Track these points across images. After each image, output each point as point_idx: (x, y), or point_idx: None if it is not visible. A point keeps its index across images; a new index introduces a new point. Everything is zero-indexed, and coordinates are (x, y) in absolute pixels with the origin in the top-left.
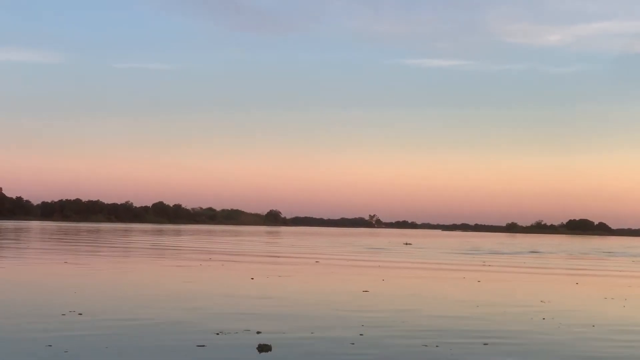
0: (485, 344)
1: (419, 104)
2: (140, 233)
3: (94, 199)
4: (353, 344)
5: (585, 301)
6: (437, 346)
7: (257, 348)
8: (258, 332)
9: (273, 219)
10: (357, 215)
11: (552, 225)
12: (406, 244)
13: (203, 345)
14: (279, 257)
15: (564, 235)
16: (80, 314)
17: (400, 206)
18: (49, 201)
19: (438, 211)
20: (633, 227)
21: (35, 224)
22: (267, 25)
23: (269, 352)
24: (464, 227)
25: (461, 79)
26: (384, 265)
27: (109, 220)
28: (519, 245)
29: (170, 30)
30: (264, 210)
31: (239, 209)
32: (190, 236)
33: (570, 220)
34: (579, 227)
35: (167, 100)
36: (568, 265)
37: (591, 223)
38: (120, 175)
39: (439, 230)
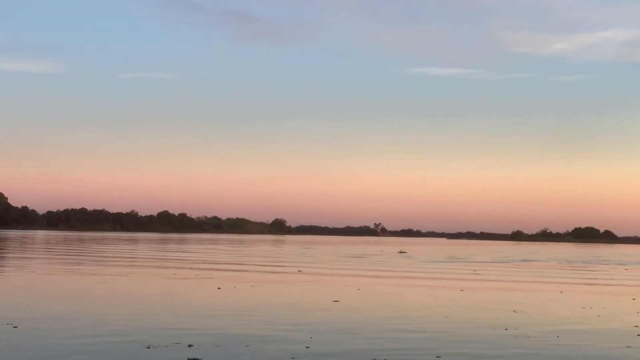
0: (438, 357)
1: (424, 112)
2: (138, 242)
3: (100, 208)
4: (293, 358)
5: (560, 311)
6: None
7: None
8: (189, 346)
9: (278, 227)
10: (362, 224)
11: (557, 234)
12: (400, 252)
13: None
14: (263, 265)
15: (569, 243)
16: (16, 327)
17: (405, 215)
18: (55, 210)
19: (443, 219)
20: (639, 235)
21: (38, 234)
22: (272, 35)
23: None
24: (469, 236)
25: (466, 88)
26: (367, 274)
27: (114, 229)
28: (517, 254)
29: (175, 40)
30: (269, 219)
31: (244, 217)
32: (181, 245)
33: (575, 229)
34: (585, 235)
35: (172, 110)
36: (556, 274)
37: (597, 231)
38: (125, 184)
39: (444, 239)
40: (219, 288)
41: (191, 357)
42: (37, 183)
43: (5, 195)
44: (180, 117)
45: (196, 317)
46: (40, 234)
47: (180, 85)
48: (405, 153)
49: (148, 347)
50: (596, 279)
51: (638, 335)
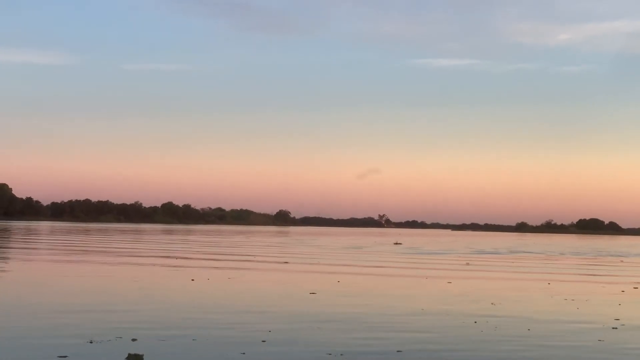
0: (399, 351)
1: (428, 104)
2: (129, 233)
3: (104, 199)
4: (244, 353)
5: (540, 303)
6: (341, 355)
7: (126, 359)
8: (133, 340)
9: (282, 219)
10: (366, 215)
11: (562, 225)
12: (396, 243)
13: (65, 356)
14: (249, 256)
15: (574, 235)
16: None
17: (410, 206)
18: (59, 202)
19: (448, 211)
20: None
21: (43, 225)
22: (276, 27)
23: None
24: (474, 227)
25: (471, 79)
26: (354, 266)
27: (119, 220)
28: (515, 245)
29: (180, 32)
30: (273, 211)
31: (249, 209)
32: (175, 236)
33: (580, 220)
34: (589, 226)
35: (176, 101)
36: (549, 265)
37: (601, 222)
38: (129, 175)
39: (449, 230)
40: (192, 280)
41: (132, 352)
42: (41, 174)
43: (10, 187)
44: (185, 109)
45: (153, 310)
46: (44, 225)
47: (185, 76)
48: (409, 144)
49: (90, 342)
50: (588, 271)
51: (613, 328)
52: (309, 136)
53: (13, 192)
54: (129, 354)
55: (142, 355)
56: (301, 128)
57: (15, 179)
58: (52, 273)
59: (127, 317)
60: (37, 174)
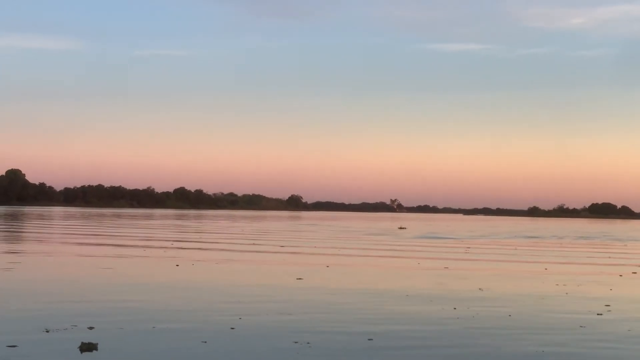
0: (370, 340)
1: (440, 88)
2: (136, 218)
3: (116, 184)
4: (205, 342)
5: (529, 289)
6: (308, 343)
7: (79, 348)
8: (90, 328)
9: (294, 204)
10: (378, 200)
11: (574, 209)
12: (400, 228)
13: (14, 346)
14: (244, 242)
15: (586, 219)
16: None
17: (421, 190)
18: (72, 187)
19: (459, 195)
20: None
21: (56, 210)
22: (287, 11)
23: (93, 351)
24: (486, 212)
25: (482, 63)
26: (349, 251)
27: (131, 206)
28: (522, 230)
29: (190, 17)
30: (285, 195)
31: (261, 194)
32: (182, 221)
33: (592, 204)
34: (602, 210)
35: (188, 87)
36: (551, 250)
37: (614, 207)
38: (142, 161)
39: (460, 215)
40: (177, 265)
41: (86, 340)
42: (54, 160)
43: (23, 172)
44: (196, 94)
45: (119, 298)
46: (57, 210)
47: (195, 61)
48: (421, 129)
49: (47, 331)
50: (590, 255)
51: (598, 314)
52: (321, 121)
53: (26, 177)
54: (82, 343)
55: (97, 344)
56: (313, 113)
57: (28, 164)
58: (24, 259)
59: (89, 305)
60: (50, 159)
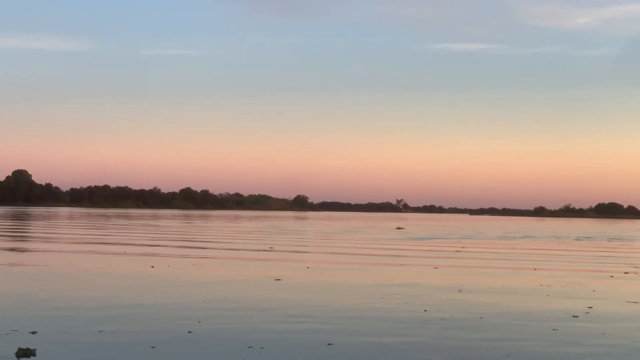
0: (329, 344)
1: (446, 88)
2: (133, 218)
3: (122, 185)
4: (153, 347)
5: (509, 291)
6: (262, 348)
7: (15, 354)
8: (32, 332)
9: (300, 204)
10: (384, 200)
11: (580, 209)
12: (398, 228)
13: None
14: (233, 242)
15: (592, 219)
16: None
17: (427, 190)
18: (78, 187)
19: (465, 195)
20: None
21: (61, 210)
22: (291, 10)
23: (30, 357)
24: (492, 212)
25: (488, 63)
26: (338, 251)
27: (137, 206)
28: (522, 230)
29: (195, 17)
30: (291, 196)
31: (267, 194)
32: (176, 221)
33: (599, 204)
34: (608, 210)
35: (193, 87)
36: (547, 251)
37: (620, 207)
38: (148, 161)
39: (466, 215)
40: (152, 267)
41: (24, 346)
42: (60, 160)
43: (29, 173)
44: (202, 94)
45: (74, 301)
46: (64, 210)
47: (201, 61)
48: (427, 129)
49: None
50: (586, 255)
51: (574, 316)
52: (327, 121)
53: (32, 178)
54: (19, 348)
55: (35, 350)
56: (319, 112)
57: (34, 165)
58: None
59: (38, 308)
60: (56, 160)
